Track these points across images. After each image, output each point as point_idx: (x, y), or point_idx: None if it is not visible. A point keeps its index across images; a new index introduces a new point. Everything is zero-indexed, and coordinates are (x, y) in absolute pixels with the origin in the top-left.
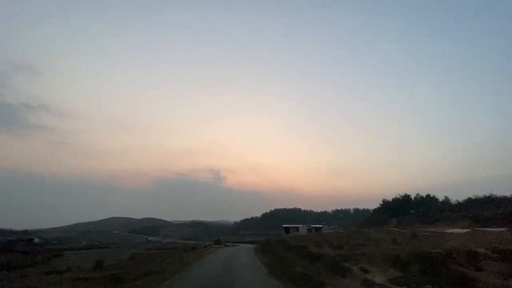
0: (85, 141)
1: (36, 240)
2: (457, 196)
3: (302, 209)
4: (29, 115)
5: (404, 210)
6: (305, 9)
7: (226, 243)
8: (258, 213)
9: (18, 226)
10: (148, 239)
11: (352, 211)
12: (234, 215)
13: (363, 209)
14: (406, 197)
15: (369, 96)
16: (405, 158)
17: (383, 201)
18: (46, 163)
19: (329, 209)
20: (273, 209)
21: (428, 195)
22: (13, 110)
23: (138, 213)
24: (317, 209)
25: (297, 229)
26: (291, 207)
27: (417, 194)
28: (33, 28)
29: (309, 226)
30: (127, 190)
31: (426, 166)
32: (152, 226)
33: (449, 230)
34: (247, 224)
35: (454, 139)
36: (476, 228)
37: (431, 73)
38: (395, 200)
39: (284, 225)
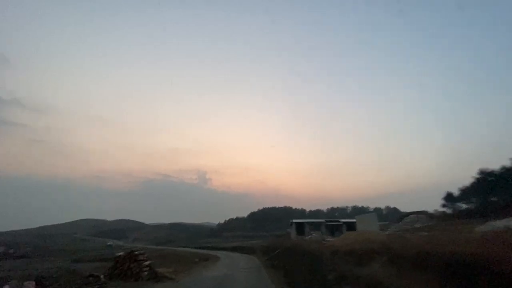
0: (64, 140)
1: None
2: None
3: (294, 207)
4: (1, 110)
5: None
6: (298, 10)
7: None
8: (244, 215)
9: None
10: (108, 243)
11: (350, 208)
12: (219, 218)
13: (362, 206)
14: None
15: (359, 97)
16: (396, 157)
17: (483, 173)
18: (20, 162)
19: (323, 207)
20: (261, 208)
21: None
22: None
23: (116, 215)
24: (310, 208)
25: (318, 226)
26: (281, 205)
27: None
28: (7, 15)
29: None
30: (108, 191)
31: (416, 164)
32: (125, 228)
33: None
34: (232, 225)
35: (444, 138)
36: None
37: (423, 72)
38: None
39: (294, 220)
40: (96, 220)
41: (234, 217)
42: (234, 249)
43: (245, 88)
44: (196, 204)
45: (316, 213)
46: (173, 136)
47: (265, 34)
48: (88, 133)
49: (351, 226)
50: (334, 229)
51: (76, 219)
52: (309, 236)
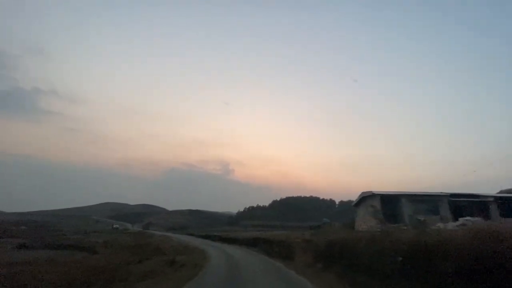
0: (96, 129)
1: None
2: None
3: (321, 198)
4: (40, 100)
5: None
6: (320, 3)
7: None
8: (266, 204)
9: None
10: (114, 226)
11: None
12: (240, 208)
13: None
14: None
15: (382, 90)
16: (422, 151)
17: None
18: (56, 149)
19: (354, 198)
20: (284, 197)
21: None
22: (25, 95)
23: (140, 201)
24: (339, 198)
25: (434, 205)
26: (307, 195)
27: None
28: (45, 10)
29: None
30: (135, 178)
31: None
32: (143, 213)
33: None
34: (252, 214)
35: (467, 135)
36: None
37: (447, 69)
38: None
39: (375, 192)
40: (119, 204)
41: (255, 205)
42: (252, 242)
43: (270, 81)
44: (218, 194)
45: (348, 204)
46: (198, 128)
47: (290, 27)
48: (118, 123)
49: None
50: (467, 211)
51: (101, 202)
52: (449, 225)
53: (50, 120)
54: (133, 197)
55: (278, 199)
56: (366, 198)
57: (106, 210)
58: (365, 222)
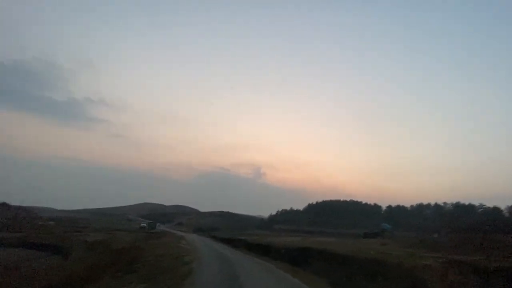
0: (137, 134)
1: None
2: None
3: (363, 202)
4: (91, 109)
5: None
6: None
7: None
8: (299, 208)
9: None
10: (142, 225)
11: (450, 205)
12: (272, 211)
13: (470, 204)
14: None
15: (421, 94)
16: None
17: None
18: (103, 153)
19: (406, 204)
20: (320, 200)
21: None
22: (78, 105)
23: (176, 202)
24: (382, 203)
25: None
26: (347, 199)
27: None
28: (94, 26)
29: None
30: (172, 180)
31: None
32: (175, 213)
33: None
34: (286, 217)
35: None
36: None
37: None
38: None
39: None
40: (156, 204)
41: (288, 208)
42: (300, 256)
43: (303, 84)
44: (249, 197)
45: (395, 210)
46: (231, 132)
47: (323, 28)
48: (157, 129)
49: None
50: None
51: (140, 202)
52: None
53: (98, 127)
54: (168, 198)
55: (314, 202)
56: None
57: (143, 210)
58: None
